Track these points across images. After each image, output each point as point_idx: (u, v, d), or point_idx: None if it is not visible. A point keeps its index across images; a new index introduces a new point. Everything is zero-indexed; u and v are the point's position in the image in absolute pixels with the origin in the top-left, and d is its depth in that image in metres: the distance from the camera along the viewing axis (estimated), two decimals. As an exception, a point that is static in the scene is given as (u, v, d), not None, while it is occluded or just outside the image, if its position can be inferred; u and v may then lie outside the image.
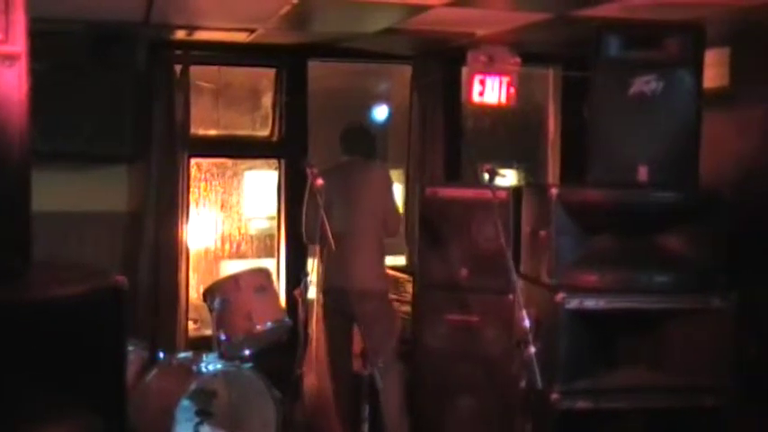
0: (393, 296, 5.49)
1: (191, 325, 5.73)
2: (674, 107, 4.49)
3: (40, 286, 2.57)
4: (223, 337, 4.78)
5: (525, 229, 4.71)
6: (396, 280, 5.50)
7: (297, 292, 4.79)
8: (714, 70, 4.99)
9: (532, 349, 3.89)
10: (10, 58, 2.46)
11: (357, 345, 4.92)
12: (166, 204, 5.51)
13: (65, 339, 2.56)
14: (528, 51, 5.74)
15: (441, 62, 5.98)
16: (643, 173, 4.46)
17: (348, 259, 4.78)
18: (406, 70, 6.07)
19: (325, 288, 4.89)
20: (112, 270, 3.29)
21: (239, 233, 6.24)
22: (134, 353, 4.70)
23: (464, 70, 5.86)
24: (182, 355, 4.94)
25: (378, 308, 4.85)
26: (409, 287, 5.30)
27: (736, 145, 5.06)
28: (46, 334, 2.48)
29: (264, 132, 6.09)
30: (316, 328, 4.99)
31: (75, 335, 2.56)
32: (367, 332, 4.55)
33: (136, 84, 5.25)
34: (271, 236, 6.23)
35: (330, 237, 4.31)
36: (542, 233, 4.43)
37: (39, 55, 2.70)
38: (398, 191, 6.38)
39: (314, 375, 4.94)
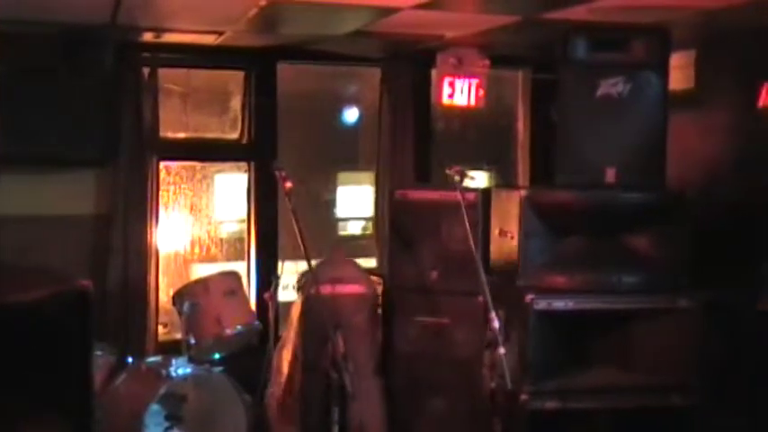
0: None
1: (160, 329, 5.69)
2: (640, 109, 4.53)
3: (4, 290, 2.55)
4: (193, 340, 4.77)
5: (494, 230, 4.73)
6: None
7: (267, 296, 4.79)
8: (680, 72, 5.05)
9: (502, 350, 3.91)
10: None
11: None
12: (135, 208, 5.47)
13: (30, 344, 2.54)
14: (497, 54, 5.77)
15: (410, 64, 5.98)
16: (611, 174, 4.50)
17: (338, 260, 4.79)
18: (376, 72, 6.07)
19: (306, 294, 4.85)
20: (79, 274, 3.27)
21: (209, 236, 6.21)
22: (103, 357, 4.66)
23: (433, 72, 5.88)
24: (151, 359, 4.90)
25: (367, 319, 4.84)
26: (379, 289, 5.29)
27: (702, 146, 5.12)
28: (10, 338, 2.46)
29: (234, 135, 6.07)
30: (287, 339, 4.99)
31: (40, 339, 2.54)
32: (350, 344, 4.42)
33: (103, 86, 5.21)
34: (241, 239, 6.20)
35: (302, 238, 4.30)
36: (510, 234, 4.46)
37: (4, 57, 2.68)
38: (369, 193, 6.39)
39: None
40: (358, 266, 5.17)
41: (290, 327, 4.99)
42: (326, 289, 4.54)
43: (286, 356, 4.92)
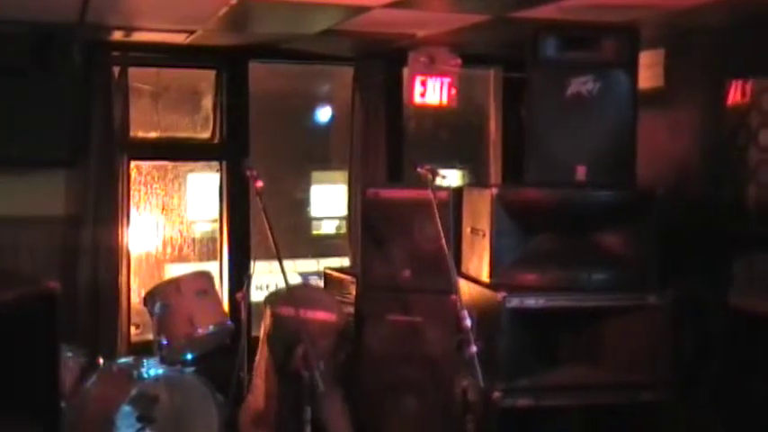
0: (337, 298, 5.50)
1: (132, 330, 5.66)
2: (610, 107, 4.56)
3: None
4: (164, 341, 4.73)
5: (466, 229, 4.74)
6: (339, 281, 5.50)
7: (239, 296, 4.77)
8: (649, 71, 5.09)
9: (474, 348, 3.92)
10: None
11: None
12: (106, 208, 5.42)
13: (-4, 347, 2.52)
14: (469, 53, 5.79)
15: (382, 63, 5.98)
16: (581, 172, 4.53)
17: (312, 287, 4.76)
18: (348, 71, 6.06)
19: (274, 311, 4.85)
20: (49, 275, 3.25)
21: (181, 236, 6.19)
22: (73, 359, 4.61)
23: (405, 71, 5.89)
24: (122, 360, 4.86)
25: (333, 344, 4.84)
26: (352, 288, 5.30)
27: (672, 144, 5.16)
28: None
29: (205, 134, 6.04)
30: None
31: (6, 341, 2.52)
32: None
33: (73, 86, 5.17)
34: (213, 239, 6.18)
35: (273, 238, 4.28)
36: (482, 233, 4.47)
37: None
38: (342, 192, 6.38)
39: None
40: (332, 296, 5.22)
41: (261, 347, 4.99)
42: (294, 311, 4.52)
43: (261, 375, 4.94)
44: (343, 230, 6.58)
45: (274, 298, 4.96)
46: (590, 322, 4.42)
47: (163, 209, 6.09)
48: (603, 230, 4.46)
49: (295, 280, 6.36)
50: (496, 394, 4.21)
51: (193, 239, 6.25)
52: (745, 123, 4.75)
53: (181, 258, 6.19)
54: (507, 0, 4.28)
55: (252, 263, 4.98)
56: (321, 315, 4.78)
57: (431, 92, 5.73)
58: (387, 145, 6.04)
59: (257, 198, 4.34)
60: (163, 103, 5.97)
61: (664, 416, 4.42)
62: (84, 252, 5.40)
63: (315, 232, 7.00)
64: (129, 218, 5.60)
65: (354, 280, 5.29)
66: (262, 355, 4.97)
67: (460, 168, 6.74)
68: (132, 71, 5.58)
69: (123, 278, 5.52)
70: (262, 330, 5.01)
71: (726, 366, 4.71)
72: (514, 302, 4.26)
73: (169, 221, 6.13)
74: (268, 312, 4.94)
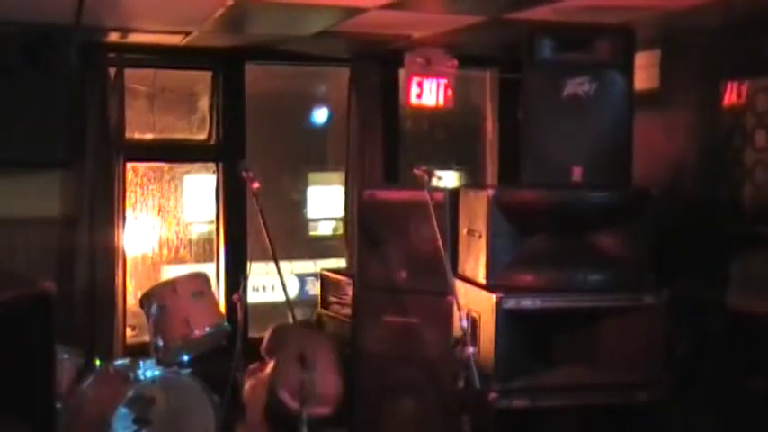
0: (333, 299, 5.51)
1: (129, 331, 5.65)
2: (606, 108, 4.58)
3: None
4: (161, 342, 4.73)
5: (462, 230, 4.75)
6: (336, 283, 5.50)
7: (236, 297, 4.77)
8: (645, 72, 5.10)
9: (470, 349, 3.92)
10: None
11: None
12: (102, 209, 5.42)
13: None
14: (465, 54, 5.79)
15: (378, 64, 5.98)
16: (577, 173, 4.54)
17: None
18: (344, 73, 6.06)
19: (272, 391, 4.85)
20: (45, 277, 3.24)
21: (178, 238, 6.18)
22: (69, 360, 4.61)
23: (401, 72, 5.89)
24: (118, 361, 4.85)
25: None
26: (349, 290, 5.30)
27: (667, 145, 5.16)
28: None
29: (201, 136, 6.04)
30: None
31: (1, 343, 2.52)
32: None
33: (69, 87, 5.17)
34: (210, 240, 6.18)
35: (269, 239, 4.29)
36: (478, 234, 4.47)
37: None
38: (339, 193, 6.39)
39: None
40: (337, 379, 5.02)
41: (258, 402, 5.00)
42: (292, 402, 4.50)
43: (257, 419, 4.97)
44: (340, 231, 6.58)
45: (277, 373, 4.92)
46: (586, 323, 4.42)
47: (159, 210, 6.09)
48: (599, 231, 4.46)
49: (292, 282, 6.43)
50: (492, 395, 4.21)
51: (190, 241, 6.25)
52: (741, 124, 4.77)
53: (177, 260, 6.19)
54: (502, 1, 4.29)
55: (248, 264, 4.99)
56: (319, 410, 4.74)
57: (427, 93, 5.73)
58: (383, 146, 6.04)
59: (254, 199, 4.35)
60: (159, 105, 5.97)
61: (660, 416, 4.42)
62: (81, 253, 5.40)
63: (311, 233, 7.00)
64: (125, 219, 5.60)
65: (351, 281, 5.29)
66: (256, 405, 4.96)
67: (457, 169, 6.74)
68: (128, 72, 5.59)
69: (119, 279, 5.52)
70: (264, 377, 5.01)
71: (722, 366, 4.72)
72: (511, 303, 4.26)
73: (165, 223, 6.13)
74: (270, 370, 4.96)
